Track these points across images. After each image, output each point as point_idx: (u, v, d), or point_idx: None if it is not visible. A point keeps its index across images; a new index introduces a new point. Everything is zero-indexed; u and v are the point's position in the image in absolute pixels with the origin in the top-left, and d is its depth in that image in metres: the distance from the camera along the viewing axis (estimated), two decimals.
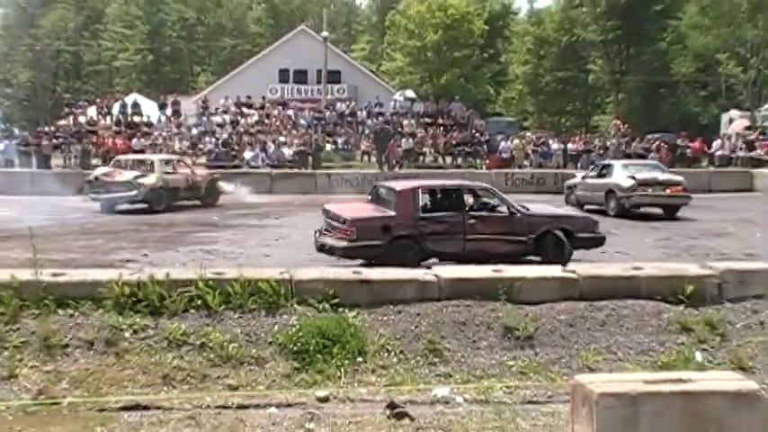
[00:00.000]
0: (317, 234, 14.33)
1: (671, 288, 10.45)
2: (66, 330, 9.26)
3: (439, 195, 14.84)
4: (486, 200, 14.91)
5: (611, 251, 15.67)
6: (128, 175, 23.92)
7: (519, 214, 14.29)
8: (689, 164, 35.71)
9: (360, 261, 13.14)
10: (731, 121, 40.35)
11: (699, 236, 18.27)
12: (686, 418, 6.22)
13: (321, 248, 14.05)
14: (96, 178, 24.29)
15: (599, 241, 14.87)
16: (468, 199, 14.87)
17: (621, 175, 22.81)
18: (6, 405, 8.20)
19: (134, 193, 23.43)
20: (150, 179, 23.71)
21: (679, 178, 23.34)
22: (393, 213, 13.84)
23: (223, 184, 26.81)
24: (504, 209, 14.44)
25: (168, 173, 24.62)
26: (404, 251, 13.34)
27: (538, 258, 13.95)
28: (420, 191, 14.33)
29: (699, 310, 10.23)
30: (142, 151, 33.03)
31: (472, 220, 13.99)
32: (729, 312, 10.30)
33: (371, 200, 15.13)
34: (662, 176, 22.91)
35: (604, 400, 6.19)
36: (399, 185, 14.74)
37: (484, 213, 14.40)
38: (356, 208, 14.93)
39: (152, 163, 24.81)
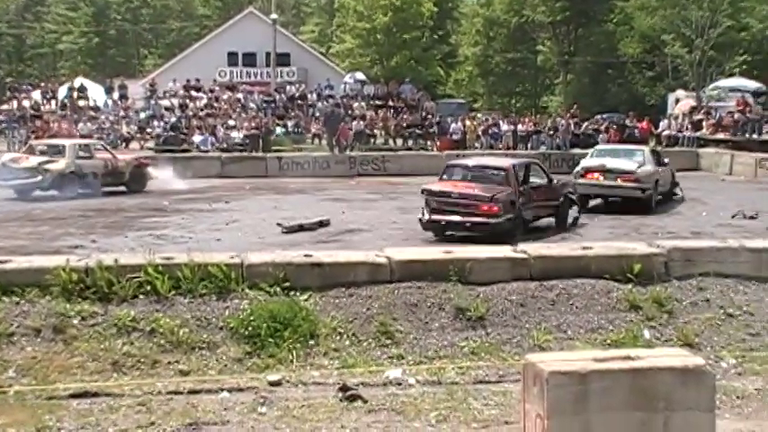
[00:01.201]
0: (426, 213, 15.57)
1: (619, 267, 10.56)
2: (11, 318, 9.11)
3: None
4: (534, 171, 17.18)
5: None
6: (33, 160, 23.14)
7: (554, 183, 17.36)
8: (637, 143, 36.07)
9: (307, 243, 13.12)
10: (677, 101, 40.83)
11: (646, 215, 18.53)
12: (635, 395, 6.31)
13: (441, 227, 15.76)
14: (3, 164, 23.39)
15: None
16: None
17: (585, 161, 21.16)
18: None
19: (39, 179, 22.59)
20: (58, 165, 22.85)
21: (630, 166, 19.76)
22: (510, 188, 15.53)
23: (151, 170, 25.86)
24: (545, 179, 17.22)
25: (83, 158, 23.69)
26: (518, 224, 15.49)
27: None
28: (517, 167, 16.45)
29: (647, 289, 10.36)
30: (90, 136, 32.50)
31: (533, 190, 16.48)
32: (676, 290, 10.46)
33: (447, 178, 16.43)
34: (611, 163, 19.84)
35: (555, 379, 6.25)
36: (505, 163, 16.84)
37: (541, 183, 17.03)
38: (472, 186, 15.84)
39: (63, 147, 23.91)
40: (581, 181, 19.71)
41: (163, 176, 25.86)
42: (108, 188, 23.74)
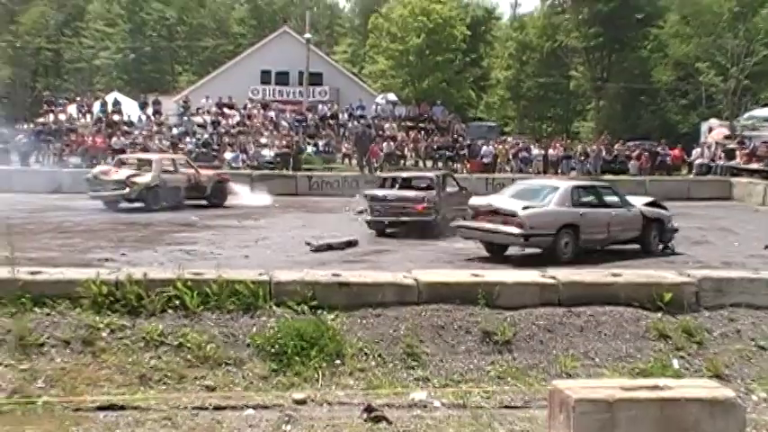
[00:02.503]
0: (370, 214, 19.36)
1: (649, 295, 10.50)
2: (42, 329, 9.19)
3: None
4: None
5: (590, 256, 15.75)
6: (122, 173, 24.22)
7: (464, 191, 19.20)
8: (668, 172, 35.95)
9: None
10: (710, 129, 40.56)
11: (677, 243, 18.36)
12: (662, 425, 6.26)
13: (383, 226, 19.27)
14: (95, 176, 24.69)
15: None
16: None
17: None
18: None
19: (126, 191, 23.72)
20: (145, 178, 23.96)
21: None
22: (434, 193, 19.36)
23: (232, 185, 26.96)
24: (457, 188, 19.92)
25: (168, 172, 24.80)
26: (441, 221, 18.89)
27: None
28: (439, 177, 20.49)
29: (676, 318, 10.28)
30: (123, 150, 32.93)
31: (449, 196, 20.05)
32: (707, 320, 10.37)
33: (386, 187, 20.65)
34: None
35: (582, 406, 6.21)
36: (429, 173, 21.59)
37: (455, 191, 20.51)
38: (405, 191, 19.95)
39: (150, 162, 25.08)
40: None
41: (241, 192, 27.16)
42: (191, 201, 24.82)
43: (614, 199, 16.80)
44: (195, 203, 24.82)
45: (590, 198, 16.56)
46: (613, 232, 16.18)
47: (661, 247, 17.04)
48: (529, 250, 15.82)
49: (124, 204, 23.91)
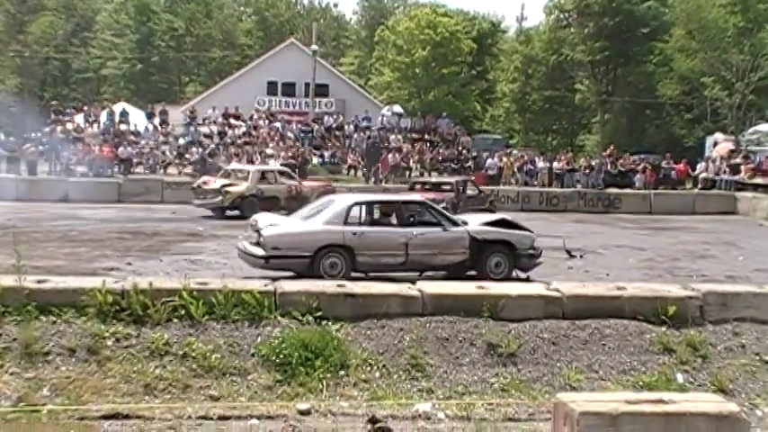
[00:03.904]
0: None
1: (653, 309, 10.50)
2: (48, 337, 9.22)
3: None
4: None
5: (595, 270, 15.74)
6: (218, 183, 25.54)
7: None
8: (673, 186, 35.91)
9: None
10: (715, 144, 40.51)
11: (682, 257, 18.37)
12: None
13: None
14: (198, 186, 26.30)
15: None
16: None
17: None
18: None
19: (219, 199, 24.87)
20: (239, 188, 25.02)
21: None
22: None
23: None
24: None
25: (266, 182, 25.73)
26: None
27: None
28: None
29: (681, 332, 10.28)
30: (129, 160, 33.10)
31: None
32: (711, 334, 10.37)
33: None
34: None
35: (586, 419, 6.20)
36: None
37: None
38: None
39: (247, 173, 26.10)
40: None
41: None
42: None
43: (426, 217, 14.27)
44: None
45: (376, 215, 14.48)
46: (417, 256, 13.51)
47: (524, 276, 14.20)
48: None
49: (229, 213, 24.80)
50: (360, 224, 13.72)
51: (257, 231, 13.53)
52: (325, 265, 13.06)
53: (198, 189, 26.23)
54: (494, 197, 29.32)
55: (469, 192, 27.12)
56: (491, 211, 25.38)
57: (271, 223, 13.90)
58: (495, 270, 13.70)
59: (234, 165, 29.87)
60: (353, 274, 12.95)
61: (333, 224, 13.49)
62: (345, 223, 13.52)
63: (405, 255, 13.43)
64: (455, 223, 14.10)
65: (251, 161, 35.37)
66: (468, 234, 13.81)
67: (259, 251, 13.22)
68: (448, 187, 26.13)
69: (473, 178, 31.72)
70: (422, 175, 37.14)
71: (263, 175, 26.32)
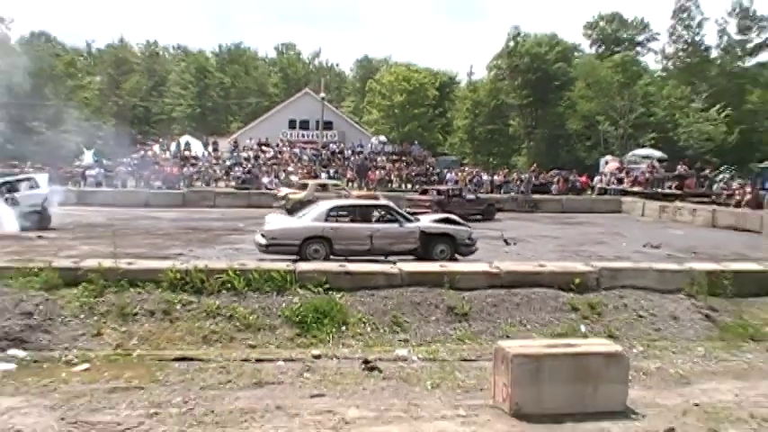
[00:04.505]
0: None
1: (565, 280, 10.54)
2: (135, 303, 9.22)
3: None
4: None
5: (524, 252, 15.77)
6: (284, 191, 25.77)
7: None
8: (578, 192, 36.02)
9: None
10: (606, 163, 40.59)
11: (585, 243, 18.44)
12: (574, 371, 6.30)
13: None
14: (275, 194, 26.60)
15: None
16: None
17: None
18: (95, 354, 8.21)
19: (283, 203, 24.29)
20: (298, 195, 24.32)
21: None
22: None
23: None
24: None
25: (323, 191, 24.51)
26: None
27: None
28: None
29: (583, 296, 10.32)
30: (191, 177, 32.87)
31: None
32: (604, 297, 10.41)
33: None
34: None
35: (517, 359, 6.24)
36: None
37: None
38: None
39: (306, 185, 25.78)
40: None
41: None
42: None
43: (387, 216, 13.99)
44: None
45: (348, 215, 14.07)
46: (379, 244, 13.35)
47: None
48: None
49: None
50: (336, 221, 13.66)
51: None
52: (309, 251, 12.99)
53: (275, 196, 26.15)
54: (492, 201, 27.68)
55: (469, 197, 26.24)
56: (489, 213, 25.53)
57: (273, 220, 13.92)
58: (439, 255, 13.36)
59: (304, 179, 29.25)
60: (337, 259, 12.75)
61: (316, 221, 13.41)
62: (326, 220, 13.46)
63: (370, 243, 13.29)
64: (409, 220, 13.92)
65: (277, 176, 35.28)
66: (418, 228, 13.64)
67: (262, 240, 13.23)
68: (440, 193, 25.14)
69: (473, 188, 31.34)
70: (399, 186, 37.15)
71: (320, 186, 25.62)
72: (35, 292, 9.17)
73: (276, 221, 14.07)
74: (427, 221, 14.29)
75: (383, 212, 14.19)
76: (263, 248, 13.17)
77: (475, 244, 14.15)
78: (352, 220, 13.90)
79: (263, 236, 13.32)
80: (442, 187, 28.18)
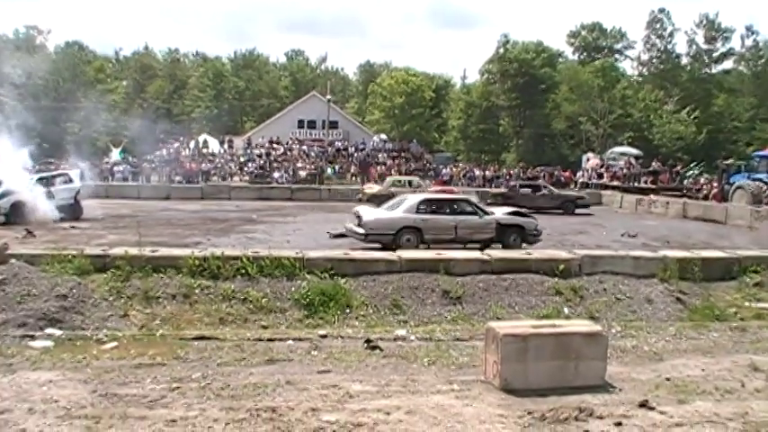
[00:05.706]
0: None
1: (550, 266, 10.55)
2: (158, 287, 9.23)
3: None
4: None
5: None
6: (363, 186, 26.73)
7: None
8: (563, 187, 35.93)
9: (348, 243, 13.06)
10: (588, 159, 40.49)
11: (567, 233, 18.41)
12: (557, 349, 6.30)
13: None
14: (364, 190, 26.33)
15: None
16: None
17: None
18: (123, 333, 8.22)
19: (360, 196, 24.76)
20: (372, 189, 24.88)
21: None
22: None
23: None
24: None
25: (398, 186, 24.34)
26: None
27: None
28: None
29: (567, 281, 10.33)
30: (208, 172, 32.86)
31: None
32: (586, 282, 10.42)
33: None
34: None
35: (506, 339, 6.24)
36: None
37: None
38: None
39: (382, 181, 26.67)
40: None
41: None
42: None
43: (468, 209, 13.99)
44: None
45: (435, 207, 13.86)
46: (462, 234, 13.46)
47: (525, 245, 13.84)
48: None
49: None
50: (426, 213, 13.61)
51: (359, 218, 13.66)
52: (403, 240, 13.08)
53: (360, 191, 26.55)
54: (572, 198, 26.16)
55: (544, 192, 25.79)
56: (567, 208, 24.57)
57: (368, 212, 14.06)
58: (512, 243, 13.59)
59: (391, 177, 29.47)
60: (355, 244, 12.86)
61: (409, 213, 13.51)
62: (416, 212, 13.54)
63: (455, 233, 13.45)
64: (487, 213, 14.08)
65: (287, 172, 35.24)
66: (495, 220, 13.84)
67: (361, 230, 13.31)
68: (511, 189, 26.11)
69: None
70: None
71: (396, 182, 25.74)
72: (69, 276, 9.19)
73: (371, 213, 14.05)
74: (501, 214, 14.41)
75: (464, 205, 14.30)
76: (362, 237, 13.25)
77: (540, 234, 14.34)
78: (440, 212, 13.84)
79: (360, 225, 13.35)
80: (523, 182, 28.84)
